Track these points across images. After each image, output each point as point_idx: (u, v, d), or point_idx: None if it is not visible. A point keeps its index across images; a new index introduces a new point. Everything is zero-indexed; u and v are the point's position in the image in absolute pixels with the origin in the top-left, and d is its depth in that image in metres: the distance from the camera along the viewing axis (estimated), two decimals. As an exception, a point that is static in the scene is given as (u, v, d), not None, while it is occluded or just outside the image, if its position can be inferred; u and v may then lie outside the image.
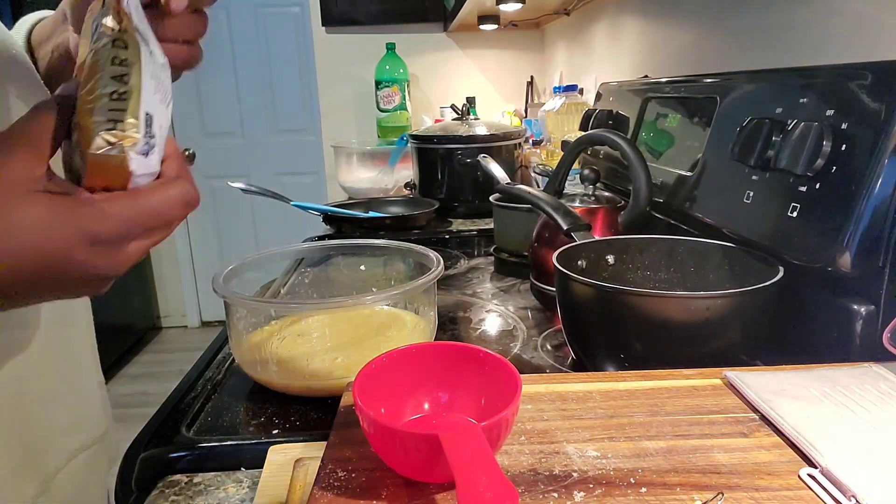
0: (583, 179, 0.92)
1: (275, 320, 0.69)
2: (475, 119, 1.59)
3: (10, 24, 0.59)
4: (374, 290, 0.75)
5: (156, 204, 0.36)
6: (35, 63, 0.60)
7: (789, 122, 0.60)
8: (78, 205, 0.33)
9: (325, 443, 0.42)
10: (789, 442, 0.40)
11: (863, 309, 0.52)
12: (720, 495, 0.35)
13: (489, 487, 0.31)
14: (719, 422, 0.43)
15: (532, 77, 2.63)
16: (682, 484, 0.36)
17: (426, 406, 0.44)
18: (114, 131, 0.33)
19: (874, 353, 0.51)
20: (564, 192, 0.95)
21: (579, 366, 0.66)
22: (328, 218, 1.38)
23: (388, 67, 2.37)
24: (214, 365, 0.70)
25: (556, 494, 0.36)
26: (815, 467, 0.37)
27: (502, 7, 1.88)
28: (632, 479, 0.37)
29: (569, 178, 0.97)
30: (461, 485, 0.31)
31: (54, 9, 0.59)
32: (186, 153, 3.29)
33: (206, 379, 0.66)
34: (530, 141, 1.83)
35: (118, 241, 0.35)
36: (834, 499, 0.34)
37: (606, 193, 0.94)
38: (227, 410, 0.60)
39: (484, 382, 0.43)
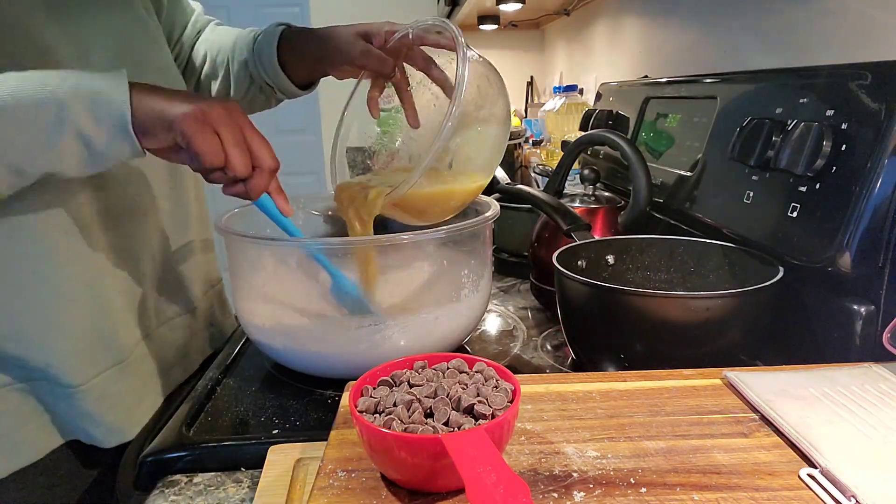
0: (583, 179, 0.92)
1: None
2: (475, 119, 1.59)
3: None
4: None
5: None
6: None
7: (789, 122, 0.60)
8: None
9: (325, 443, 0.42)
10: (789, 442, 0.40)
11: (863, 309, 0.52)
12: None
13: (499, 483, 0.31)
14: (719, 422, 0.43)
15: (532, 77, 2.63)
16: (682, 484, 0.36)
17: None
18: None
19: (874, 353, 0.51)
20: (564, 192, 0.95)
21: (579, 366, 0.66)
22: (332, 218, 1.37)
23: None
24: (215, 365, 0.70)
25: (556, 494, 0.36)
26: (815, 467, 0.37)
27: (502, 7, 1.89)
28: (632, 479, 0.37)
29: (569, 178, 0.97)
30: (470, 482, 0.31)
31: None
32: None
33: (206, 379, 0.67)
34: (530, 141, 1.83)
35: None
36: (834, 499, 0.34)
37: (606, 193, 0.94)
38: (226, 410, 0.60)
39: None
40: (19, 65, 0.53)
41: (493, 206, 0.68)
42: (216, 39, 0.86)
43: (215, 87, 0.85)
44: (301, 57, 0.80)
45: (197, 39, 0.87)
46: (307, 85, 0.85)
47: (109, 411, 0.65)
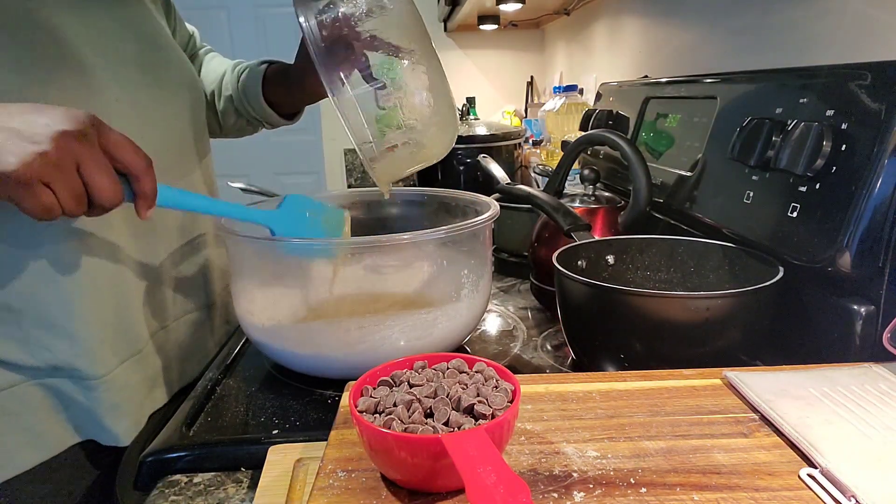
0: (583, 179, 0.92)
1: None
2: (475, 119, 1.59)
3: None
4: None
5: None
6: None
7: (789, 122, 0.60)
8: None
9: (325, 443, 0.42)
10: (789, 442, 0.40)
11: (863, 309, 0.52)
12: None
13: (499, 483, 0.31)
14: (719, 422, 0.43)
15: (532, 77, 2.63)
16: (682, 484, 0.36)
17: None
18: None
19: (874, 353, 0.51)
20: (564, 192, 0.95)
21: (579, 366, 0.66)
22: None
23: (387, 67, 2.36)
24: (214, 365, 0.70)
25: (555, 494, 0.36)
26: (815, 467, 0.37)
27: (502, 7, 1.88)
28: (632, 480, 0.37)
29: (569, 178, 0.97)
30: (470, 482, 0.31)
31: None
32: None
33: (206, 379, 0.67)
34: (530, 141, 1.83)
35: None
36: (834, 499, 0.34)
37: (606, 193, 0.94)
38: (227, 410, 0.60)
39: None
40: (36, 54, 0.54)
41: (493, 207, 0.68)
42: (205, 75, 0.89)
43: None
44: (286, 91, 0.82)
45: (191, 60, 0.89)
46: (293, 114, 0.87)
47: (129, 402, 0.66)
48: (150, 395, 0.70)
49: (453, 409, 0.38)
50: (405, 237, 0.59)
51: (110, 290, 0.64)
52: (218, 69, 0.88)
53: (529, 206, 0.85)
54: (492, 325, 0.81)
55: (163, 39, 0.74)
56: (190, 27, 0.93)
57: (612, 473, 0.37)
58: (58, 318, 0.60)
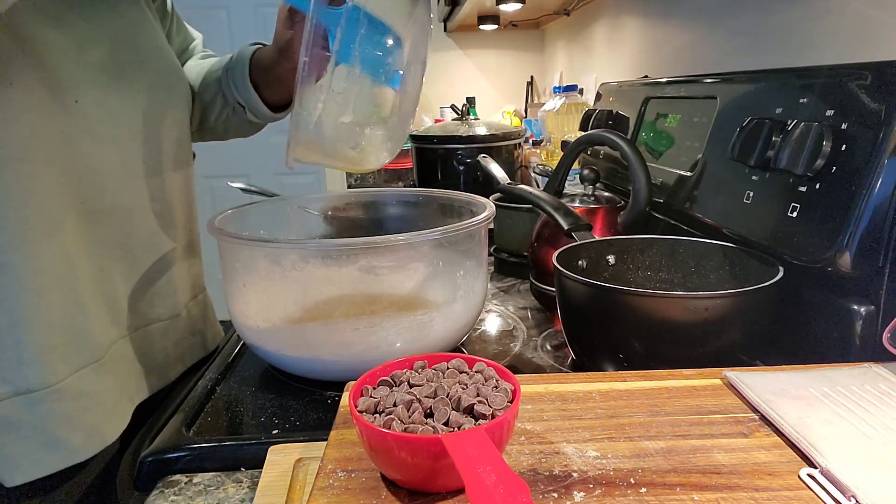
0: (583, 179, 0.92)
1: None
2: (475, 119, 1.59)
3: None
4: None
5: None
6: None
7: (789, 122, 0.60)
8: None
9: (325, 443, 0.42)
10: (789, 442, 0.40)
11: (863, 309, 0.52)
12: None
13: (499, 483, 0.31)
14: (719, 422, 0.43)
15: (532, 77, 2.63)
16: (682, 484, 0.36)
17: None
18: None
19: (874, 353, 0.51)
20: (564, 192, 0.95)
21: (579, 366, 0.66)
22: (329, 218, 1.37)
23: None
24: (214, 365, 0.70)
25: (555, 494, 0.36)
26: (815, 467, 0.37)
27: (502, 7, 1.89)
28: (632, 480, 0.37)
29: (569, 178, 0.97)
30: (470, 482, 0.31)
31: None
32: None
33: (205, 379, 0.67)
34: (530, 141, 1.84)
35: None
36: (834, 499, 0.34)
37: (606, 193, 0.94)
38: (226, 410, 0.60)
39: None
40: None
41: (489, 207, 0.68)
42: (197, 71, 0.87)
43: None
44: (274, 76, 0.79)
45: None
46: (282, 107, 0.84)
47: (88, 412, 0.63)
48: (117, 406, 0.67)
49: (453, 409, 0.38)
50: (400, 238, 0.59)
51: (58, 293, 0.61)
52: (206, 62, 0.86)
53: (529, 206, 0.85)
54: (492, 325, 0.81)
55: (146, 41, 0.72)
56: (195, 33, 0.91)
57: (612, 473, 0.37)
58: (2, 324, 0.58)
